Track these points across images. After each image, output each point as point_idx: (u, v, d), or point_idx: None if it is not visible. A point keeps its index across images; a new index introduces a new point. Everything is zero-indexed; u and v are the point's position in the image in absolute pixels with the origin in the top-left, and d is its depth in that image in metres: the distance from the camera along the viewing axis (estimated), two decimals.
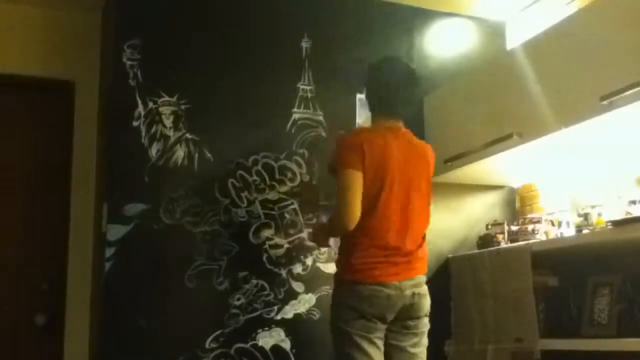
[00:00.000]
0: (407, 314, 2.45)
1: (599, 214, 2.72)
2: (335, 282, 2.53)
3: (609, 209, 2.69)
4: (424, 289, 2.51)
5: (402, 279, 2.42)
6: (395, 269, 2.43)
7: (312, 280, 3.05)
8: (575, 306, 2.83)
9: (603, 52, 2.45)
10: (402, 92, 2.58)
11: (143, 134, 2.93)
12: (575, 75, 2.57)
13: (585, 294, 2.78)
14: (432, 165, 2.64)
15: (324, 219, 3.04)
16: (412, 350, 2.47)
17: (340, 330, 2.42)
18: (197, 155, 2.98)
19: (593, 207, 2.76)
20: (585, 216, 2.74)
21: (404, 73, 2.62)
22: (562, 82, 2.62)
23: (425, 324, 2.52)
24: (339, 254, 2.58)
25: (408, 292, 2.42)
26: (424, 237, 2.56)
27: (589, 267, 2.82)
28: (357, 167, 2.43)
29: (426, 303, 2.50)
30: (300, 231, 3.07)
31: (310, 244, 3.03)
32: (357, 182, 2.41)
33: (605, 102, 2.37)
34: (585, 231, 2.71)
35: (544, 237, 2.95)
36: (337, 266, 2.56)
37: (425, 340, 2.53)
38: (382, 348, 2.44)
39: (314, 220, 3.10)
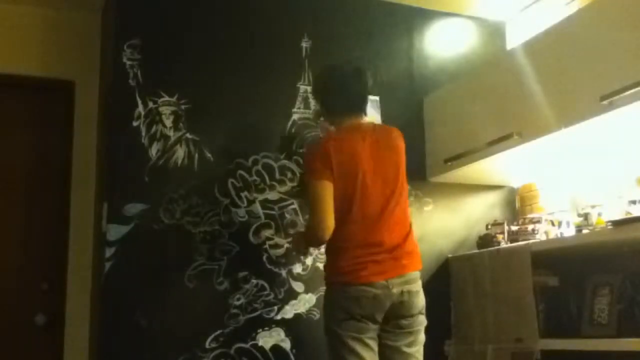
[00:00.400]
0: (398, 313, 2.42)
1: (599, 214, 2.72)
2: (325, 284, 2.53)
3: (609, 209, 2.69)
4: (416, 286, 2.45)
5: (389, 277, 2.39)
6: (380, 267, 2.40)
7: (312, 280, 3.05)
8: (575, 306, 2.84)
9: (603, 52, 2.46)
10: (353, 89, 2.59)
11: (143, 133, 2.93)
12: (575, 75, 2.57)
13: (585, 294, 2.78)
14: (402, 147, 2.59)
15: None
16: (407, 349, 2.44)
17: (332, 332, 2.42)
18: (197, 155, 2.98)
19: (593, 207, 2.76)
20: (585, 216, 2.74)
21: (350, 71, 2.62)
22: (562, 82, 2.63)
23: (420, 322, 2.47)
24: (326, 257, 2.58)
25: (396, 290, 2.39)
26: (409, 228, 2.52)
27: (589, 267, 2.82)
28: (327, 176, 2.43)
29: (418, 301, 2.45)
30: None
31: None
32: (327, 193, 2.42)
33: (605, 102, 2.38)
34: (585, 231, 2.71)
35: (544, 237, 2.95)
36: (325, 270, 2.56)
37: (421, 338, 2.49)
38: (376, 348, 2.42)
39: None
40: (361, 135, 2.52)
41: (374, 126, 2.60)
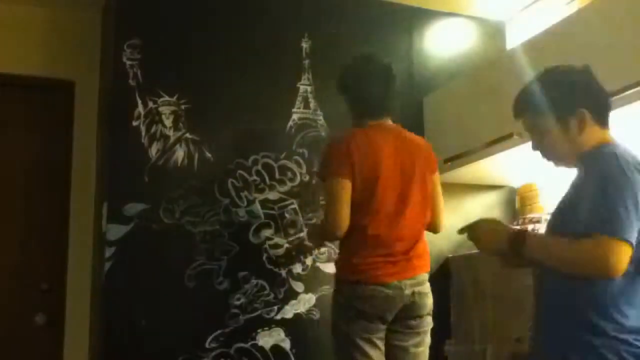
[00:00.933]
0: (408, 314, 2.42)
1: None
2: (335, 282, 2.52)
3: None
4: (426, 288, 2.48)
5: (402, 278, 2.40)
6: (394, 268, 2.40)
7: (311, 280, 3.05)
8: None
9: (603, 51, 2.45)
10: (384, 91, 2.56)
11: (143, 133, 2.93)
12: None
13: None
14: (432, 156, 2.58)
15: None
16: (414, 350, 2.45)
17: (341, 331, 2.41)
18: (196, 155, 2.99)
19: None
20: None
21: (381, 71, 2.58)
22: None
23: (427, 323, 2.49)
24: (338, 254, 2.56)
25: (408, 291, 2.40)
26: (423, 232, 2.53)
27: None
28: (345, 174, 2.40)
29: (428, 302, 2.47)
30: (300, 231, 3.07)
31: (309, 243, 3.05)
32: (344, 190, 2.39)
33: None
34: None
35: None
36: (336, 266, 2.55)
37: (427, 339, 2.50)
38: (383, 348, 2.42)
39: (314, 220, 3.10)
40: (383, 135, 2.50)
41: (400, 130, 2.57)
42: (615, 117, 2.40)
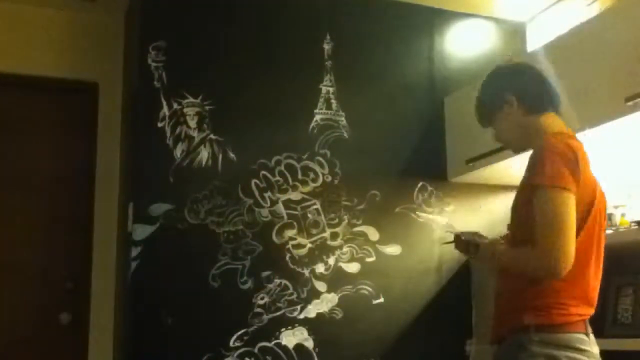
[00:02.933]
0: None
1: (623, 215, 2.72)
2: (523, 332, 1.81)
3: (633, 210, 2.69)
4: None
5: None
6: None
7: (334, 279, 3.08)
8: (598, 306, 2.83)
9: (627, 53, 2.46)
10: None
11: (168, 134, 2.96)
12: (599, 77, 2.57)
13: (609, 294, 2.78)
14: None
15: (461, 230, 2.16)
16: None
17: None
18: (220, 155, 3.01)
19: (616, 207, 2.76)
20: (609, 217, 2.74)
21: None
22: (586, 84, 2.63)
23: None
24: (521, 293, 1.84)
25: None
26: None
27: (612, 268, 2.81)
28: (573, 189, 1.74)
29: None
30: (323, 231, 3.10)
31: (332, 243, 3.07)
32: (573, 212, 1.73)
33: (630, 104, 2.38)
34: (608, 231, 2.71)
35: None
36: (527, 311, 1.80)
37: None
38: None
39: (336, 220, 3.12)
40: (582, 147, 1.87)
41: None
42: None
